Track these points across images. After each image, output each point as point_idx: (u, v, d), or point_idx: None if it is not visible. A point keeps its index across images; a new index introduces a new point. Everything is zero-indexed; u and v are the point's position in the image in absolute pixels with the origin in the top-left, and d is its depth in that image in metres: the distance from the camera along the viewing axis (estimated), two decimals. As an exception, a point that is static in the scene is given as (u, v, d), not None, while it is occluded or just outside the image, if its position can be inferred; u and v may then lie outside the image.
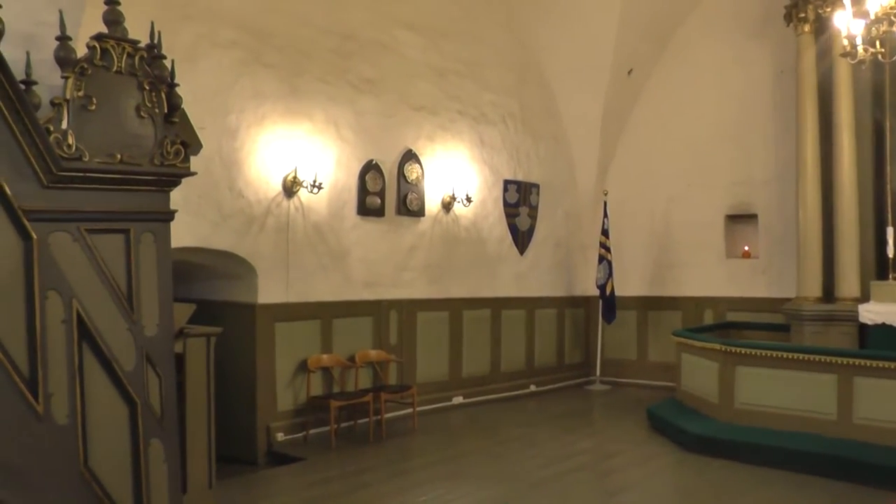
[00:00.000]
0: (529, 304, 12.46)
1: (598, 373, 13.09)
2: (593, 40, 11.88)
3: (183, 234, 7.36)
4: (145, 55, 4.74)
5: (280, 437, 8.79)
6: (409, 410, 9.73)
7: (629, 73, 12.61)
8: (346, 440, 9.02)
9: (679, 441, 8.74)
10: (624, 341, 13.30)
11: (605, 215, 12.54)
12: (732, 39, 12.32)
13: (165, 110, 4.83)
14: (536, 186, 12.47)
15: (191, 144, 5.05)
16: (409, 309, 10.56)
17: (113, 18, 4.64)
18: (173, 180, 4.93)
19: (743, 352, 8.80)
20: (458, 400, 11.21)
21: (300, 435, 9.01)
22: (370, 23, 9.82)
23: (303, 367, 9.16)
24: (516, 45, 12.05)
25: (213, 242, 8.21)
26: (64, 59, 4.42)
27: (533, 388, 12.41)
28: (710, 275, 12.58)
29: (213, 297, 8.84)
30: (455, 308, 11.22)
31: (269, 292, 8.86)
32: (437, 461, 8.28)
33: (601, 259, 12.53)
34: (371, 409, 9.18)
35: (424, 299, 10.75)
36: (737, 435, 8.28)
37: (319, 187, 9.09)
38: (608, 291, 12.50)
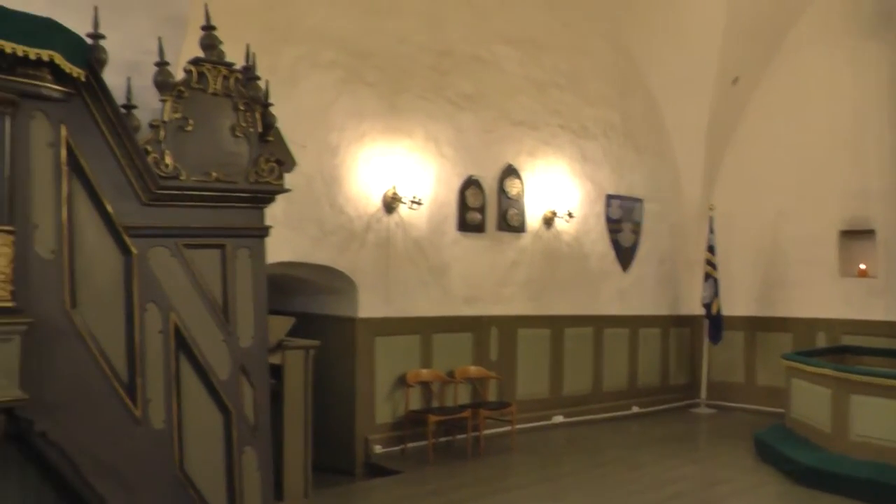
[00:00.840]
0: (633, 323, 12.19)
1: (703, 395, 12.65)
2: (697, 48, 11.53)
3: (284, 248, 7.60)
4: (240, 77, 4.95)
5: (378, 449, 8.90)
6: (508, 428, 9.67)
7: (735, 81, 12.18)
8: (443, 455, 9.04)
9: (787, 471, 8.32)
10: (731, 363, 12.79)
11: (711, 230, 12.16)
12: (846, 41, 11.66)
13: (260, 129, 5.02)
14: (640, 201, 12.23)
15: (285, 162, 5.22)
16: (510, 325, 10.52)
17: (209, 43, 4.87)
18: (268, 197, 5.11)
19: (859, 379, 8.29)
20: (559, 419, 11.06)
21: (398, 448, 9.09)
22: (468, 38, 9.89)
23: (402, 382, 9.25)
24: (618, 56, 11.87)
25: (314, 257, 8.42)
26: (162, 83, 4.68)
27: (635, 409, 12.10)
28: (822, 295, 11.93)
29: (313, 311, 9.06)
30: (556, 325, 11.10)
31: (369, 306, 9.00)
32: (535, 481, 8.19)
33: (707, 276, 12.14)
34: (469, 425, 9.18)
35: (525, 316, 10.68)
36: (850, 469, 7.77)
37: (419, 203, 9.19)
38: (714, 311, 12.08)
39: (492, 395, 10.15)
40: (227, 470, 4.94)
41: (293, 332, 7.52)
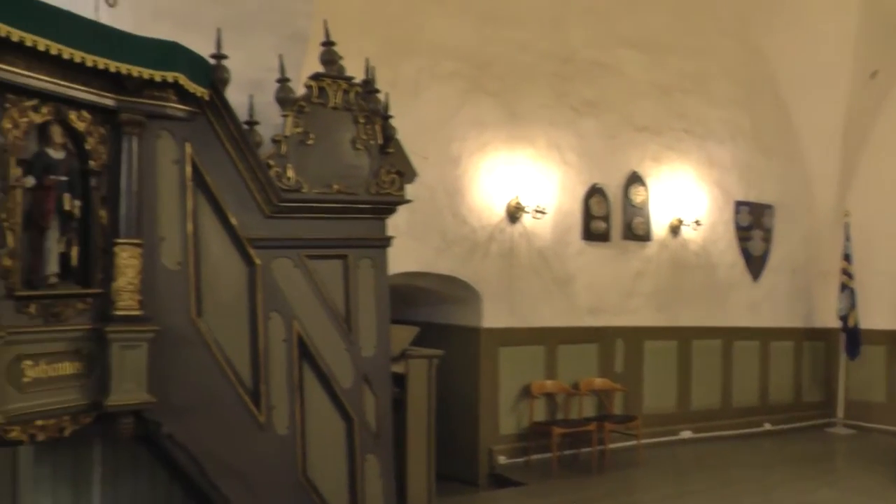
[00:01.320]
0: (763, 335, 11.62)
1: (839, 414, 11.86)
2: (831, 41, 10.81)
3: (408, 258, 7.67)
4: (360, 90, 5.04)
5: (502, 460, 8.84)
6: (634, 442, 9.41)
7: (873, 74, 11.35)
8: (568, 468, 8.88)
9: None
10: (870, 380, 11.83)
11: (847, 238, 11.42)
12: None
13: (380, 141, 5.10)
14: (770, 208, 11.66)
15: (405, 173, 5.27)
16: (636, 337, 10.25)
17: (329, 58, 4.99)
18: (389, 208, 5.18)
19: None
20: (686, 434, 10.68)
21: (522, 460, 9.01)
22: (589, 44, 9.73)
23: (526, 393, 9.17)
24: (746, 56, 11.35)
25: (438, 267, 8.47)
26: (284, 99, 4.83)
27: (767, 426, 11.49)
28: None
29: (437, 321, 9.10)
30: (684, 337, 10.73)
31: (493, 317, 8.97)
32: (661, 498, 7.94)
33: (843, 287, 11.39)
34: (594, 438, 8.99)
35: (651, 327, 10.39)
36: None
37: (543, 212, 9.11)
38: (851, 323, 11.33)
39: (617, 408, 9.92)
40: (349, 477, 5.03)
41: (417, 342, 7.58)
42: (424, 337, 7.96)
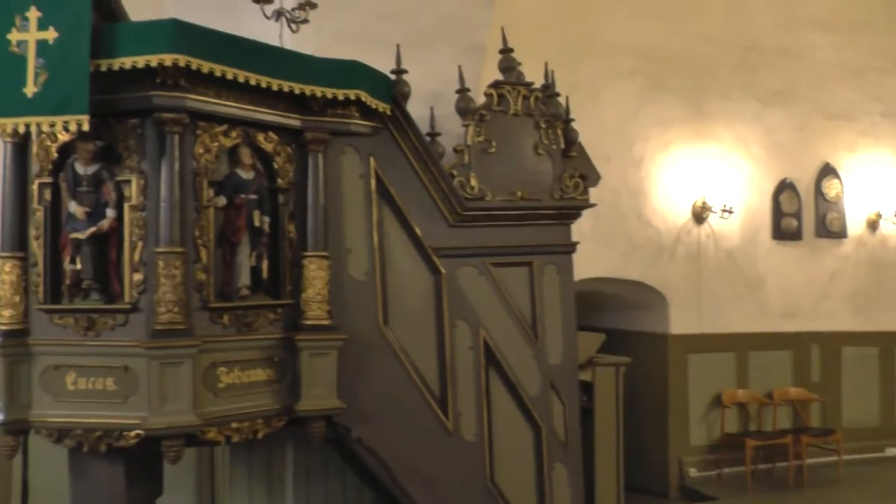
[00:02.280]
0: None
1: None
2: None
3: (592, 264, 7.51)
4: (540, 95, 4.99)
5: (693, 472, 8.48)
6: (834, 458, 8.73)
7: None
8: (762, 483, 8.38)
9: None
10: None
11: None
12: None
13: (562, 145, 5.03)
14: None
15: (589, 177, 5.16)
16: (832, 342, 9.51)
17: (508, 65, 4.99)
18: (573, 213, 5.10)
19: None
20: (893, 452, 9.78)
21: (714, 473, 8.60)
22: (774, 30, 9.16)
23: (717, 402, 8.76)
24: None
25: (623, 272, 8.27)
26: (464, 109, 4.87)
27: None
28: None
29: (622, 327, 8.87)
30: (886, 343, 9.80)
31: (681, 322, 8.65)
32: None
33: None
34: (790, 452, 8.44)
35: (849, 332, 9.59)
36: None
37: (730, 212, 8.70)
38: None
39: (814, 421, 9.26)
40: (537, 485, 4.97)
41: (603, 349, 7.42)
42: (610, 344, 7.79)
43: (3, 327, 3.97)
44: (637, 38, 8.34)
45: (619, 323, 8.98)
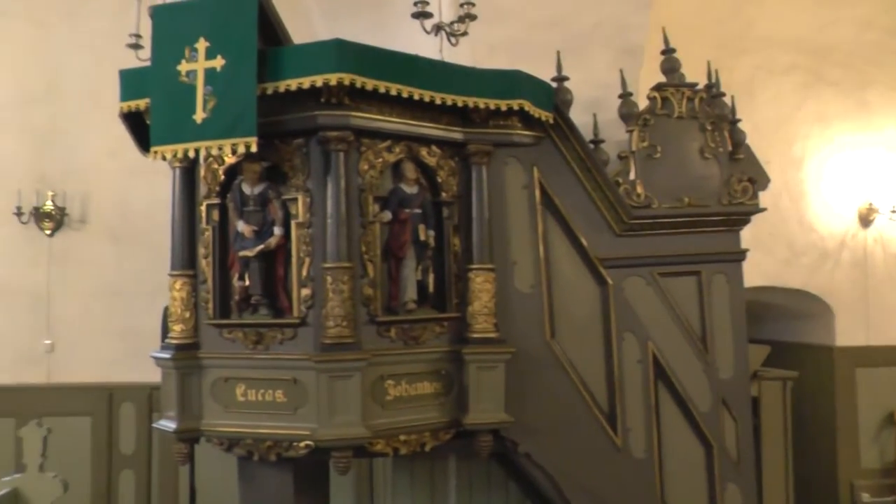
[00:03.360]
0: None
1: None
2: None
3: (751, 272, 7.03)
4: (704, 96, 4.79)
5: (866, 498, 7.87)
6: None
7: None
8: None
9: None
10: None
11: None
12: None
13: (729, 148, 4.82)
14: None
15: (757, 180, 4.91)
16: None
17: (670, 67, 4.82)
18: (742, 219, 4.88)
19: None
20: None
21: (889, 499, 7.96)
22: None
23: (889, 421, 8.13)
24: None
25: (784, 280, 7.84)
26: (627, 114, 4.73)
27: None
28: None
29: (784, 339, 8.40)
30: None
31: (847, 333, 8.09)
32: None
33: None
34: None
35: None
36: None
37: (900, 214, 8.12)
38: None
39: None
40: (709, 505, 4.73)
41: (765, 362, 7.04)
42: (773, 356, 7.38)
43: (175, 341, 4.14)
44: (793, 29, 7.92)
45: (781, 334, 8.51)
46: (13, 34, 7.58)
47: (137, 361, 6.82)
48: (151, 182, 7.02)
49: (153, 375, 6.44)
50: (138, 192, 7.33)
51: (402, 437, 4.03)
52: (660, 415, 4.64)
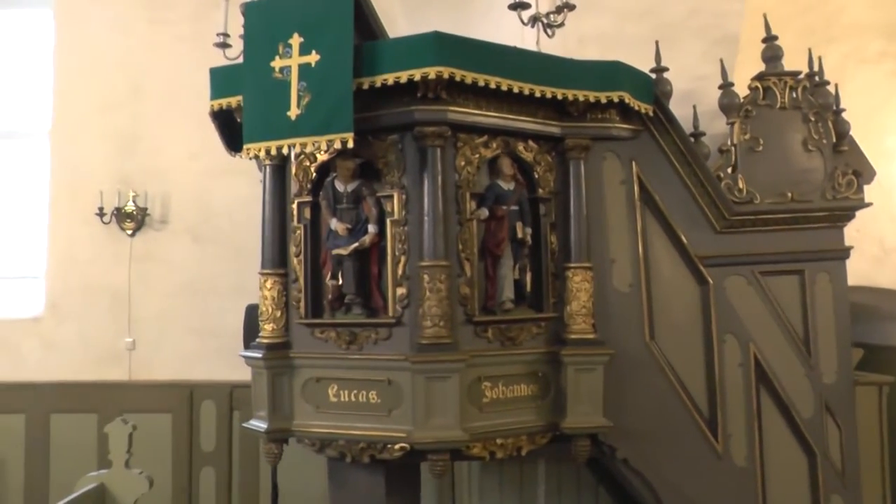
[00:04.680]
0: None
1: None
2: None
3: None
4: (808, 85, 4.61)
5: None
6: None
7: None
8: None
9: None
10: None
11: None
12: None
13: (833, 139, 4.62)
14: None
15: (862, 173, 4.70)
16: None
17: (772, 55, 4.65)
18: (847, 214, 4.69)
19: None
20: None
21: None
22: None
23: None
24: None
25: (875, 280, 7.51)
26: (728, 105, 4.55)
27: None
28: None
29: (876, 342, 8.07)
30: None
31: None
32: None
33: None
34: None
35: None
36: None
37: None
38: None
39: None
40: (810, 519, 4.53)
41: (858, 366, 6.75)
42: (863, 360, 7.07)
43: (266, 341, 4.09)
44: (884, 16, 7.60)
45: (872, 337, 8.16)
46: (97, 41, 7.74)
47: (217, 360, 6.94)
48: (231, 183, 7.10)
49: (233, 374, 6.57)
50: (218, 192, 7.39)
51: (499, 441, 3.92)
52: (761, 421, 4.44)
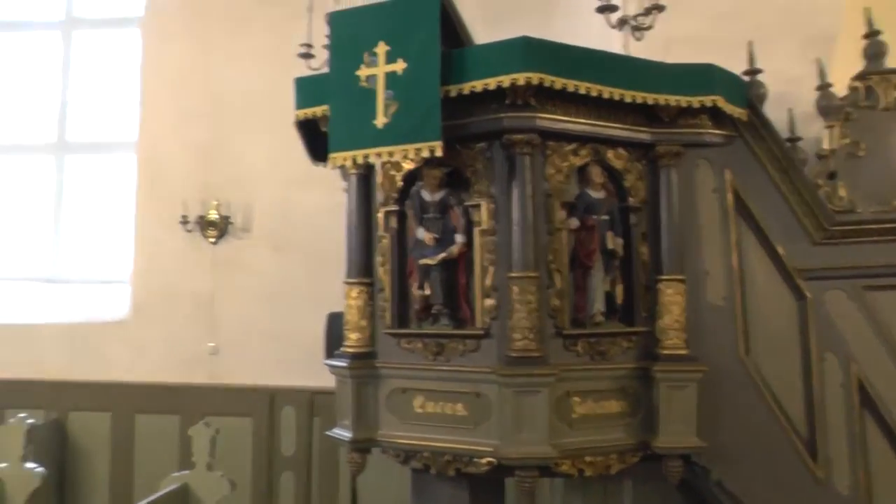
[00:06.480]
0: None
1: None
2: None
3: None
4: (904, 82, 4.35)
5: None
6: None
7: None
8: None
9: None
10: None
11: None
12: None
13: (940, 143, 4.34)
14: None
15: None
16: None
17: (877, 51, 4.39)
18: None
19: None
20: None
21: None
22: None
23: None
24: None
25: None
26: (827, 107, 4.35)
27: None
28: None
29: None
30: None
31: None
32: None
33: None
34: None
35: None
36: None
37: None
38: None
39: None
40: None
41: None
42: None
43: (351, 350, 4.07)
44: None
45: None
46: (178, 54, 7.95)
47: (297, 366, 6.98)
48: (310, 192, 7.15)
49: (313, 380, 6.60)
50: (297, 201, 7.47)
51: (589, 459, 3.80)
52: (866, 447, 4.16)
